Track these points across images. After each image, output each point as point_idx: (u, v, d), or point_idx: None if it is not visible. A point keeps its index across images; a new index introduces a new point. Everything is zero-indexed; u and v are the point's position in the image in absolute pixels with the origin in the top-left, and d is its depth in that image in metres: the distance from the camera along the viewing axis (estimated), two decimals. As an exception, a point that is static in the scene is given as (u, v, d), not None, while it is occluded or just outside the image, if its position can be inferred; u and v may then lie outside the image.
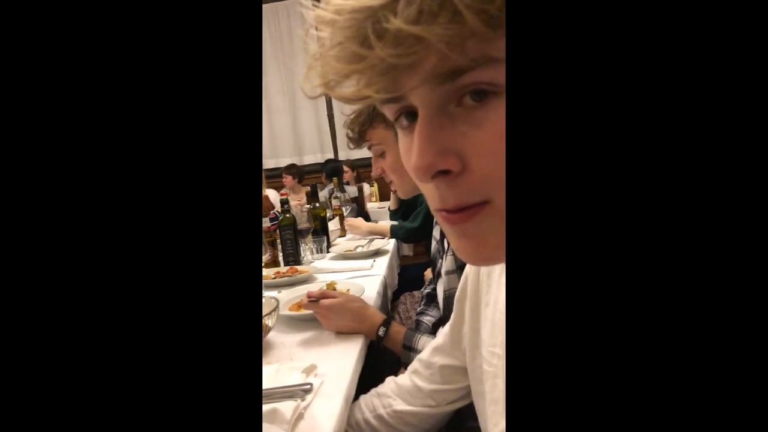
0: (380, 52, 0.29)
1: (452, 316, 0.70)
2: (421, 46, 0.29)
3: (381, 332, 1.06)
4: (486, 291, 0.60)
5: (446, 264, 1.13)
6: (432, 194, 0.36)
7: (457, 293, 0.68)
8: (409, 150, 0.36)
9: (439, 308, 1.41)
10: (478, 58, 0.30)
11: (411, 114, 0.36)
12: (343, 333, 1.08)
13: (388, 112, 0.38)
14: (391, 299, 1.76)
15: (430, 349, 0.75)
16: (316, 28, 0.32)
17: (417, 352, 1.02)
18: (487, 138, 0.33)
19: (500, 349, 0.54)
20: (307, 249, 1.85)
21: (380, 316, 1.08)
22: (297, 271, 1.58)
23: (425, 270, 2.06)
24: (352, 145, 1.36)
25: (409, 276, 2.13)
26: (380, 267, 1.66)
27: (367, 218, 2.85)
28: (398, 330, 1.07)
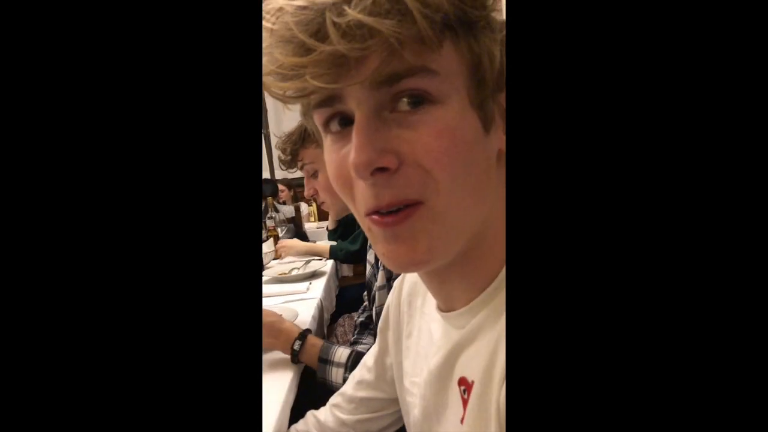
0: (336, 44, 0.30)
1: (376, 347, 0.66)
2: (374, 40, 0.31)
3: (296, 346, 0.99)
4: (408, 321, 0.58)
5: (378, 281, 1.09)
6: (365, 194, 0.37)
7: (380, 324, 0.64)
8: (338, 154, 0.38)
9: (372, 335, 1.37)
10: (416, 67, 0.33)
11: (344, 119, 0.37)
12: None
13: (319, 117, 0.38)
14: (328, 322, 1.70)
15: (352, 383, 0.70)
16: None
17: (333, 364, 0.98)
18: (421, 138, 0.35)
19: (420, 378, 0.52)
20: (239, 272, 1.75)
21: (297, 331, 1.02)
22: (227, 296, 1.49)
23: (365, 291, 2.01)
24: (284, 167, 1.33)
25: (348, 297, 2.07)
26: (317, 290, 1.60)
27: (305, 238, 2.77)
28: (314, 343, 1.01)
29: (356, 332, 1.45)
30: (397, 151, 0.35)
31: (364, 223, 0.39)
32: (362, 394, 0.68)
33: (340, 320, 1.80)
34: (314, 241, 2.52)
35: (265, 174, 4.51)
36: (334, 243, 2.12)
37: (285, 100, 0.35)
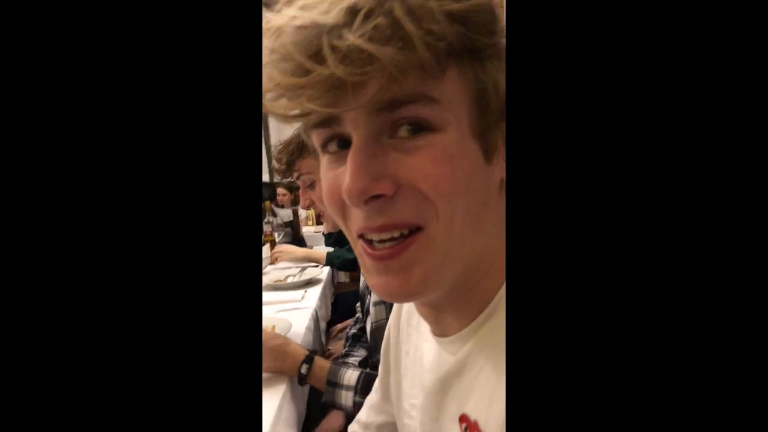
0: (333, 68, 0.29)
1: (380, 369, 0.64)
2: (372, 66, 0.30)
3: (303, 370, 0.98)
4: (406, 340, 0.56)
5: (374, 296, 1.07)
6: (358, 217, 0.36)
7: (383, 345, 0.63)
8: (334, 173, 0.36)
9: (365, 348, 1.35)
10: (417, 94, 0.32)
11: (342, 141, 0.36)
12: (265, 373, 0.99)
13: (318, 137, 0.37)
14: (325, 331, 1.68)
15: (366, 408, 0.68)
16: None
17: (343, 387, 0.96)
18: (419, 163, 0.34)
19: (417, 401, 0.50)
20: (234, 279, 1.73)
21: (303, 353, 1.00)
22: (221, 305, 1.47)
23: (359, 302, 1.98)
24: (279, 176, 1.30)
25: (345, 304, 2.05)
26: (312, 298, 1.58)
27: (302, 243, 2.75)
28: (322, 365, 0.99)
29: (348, 344, 1.43)
30: (394, 175, 0.34)
31: (357, 247, 0.38)
32: (376, 419, 0.66)
33: (339, 326, 1.79)
34: (311, 246, 2.51)
35: (264, 177, 4.50)
36: (330, 249, 2.11)
37: (284, 119, 0.34)
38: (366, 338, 1.20)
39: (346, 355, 1.38)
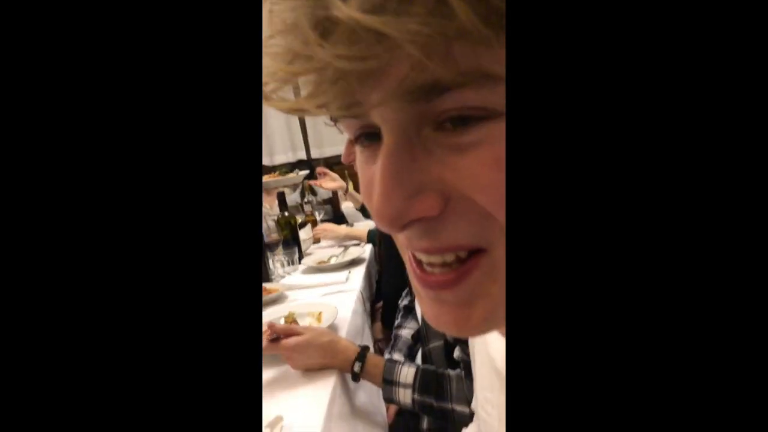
0: (324, 53, 0.21)
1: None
2: (384, 47, 0.20)
3: (356, 368, 0.94)
4: None
5: None
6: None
7: None
8: (370, 171, 0.28)
9: (417, 320, 1.32)
10: (469, 72, 0.21)
11: (372, 134, 0.27)
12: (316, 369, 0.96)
13: (346, 128, 0.29)
14: (370, 311, 1.64)
15: None
16: None
17: (399, 385, 0.93)
18: (473, 166, 0.24)
19: (492, 394, 0.45)
20: (277, 262, 1.71)
21: (354, 349, 0.97)
22: (266, 289, 1.45)
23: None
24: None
25: (392, 282, 2.00)
26: (356, 279, 1.53)
27: (343, 220, 2.71)
28: (376, 363, 0.96)
29: (400, 316, 1.41)
30: (440, 184, 0.25)
31: (403, 254, 0.31)
32: None
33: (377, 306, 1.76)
34: (352, 224, 2.46)
35: (301, 155, 4.46)
36: (372, 226, 2.05)
37: (294, 113, 0.26)
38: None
39: (399, 326, 1.36)
